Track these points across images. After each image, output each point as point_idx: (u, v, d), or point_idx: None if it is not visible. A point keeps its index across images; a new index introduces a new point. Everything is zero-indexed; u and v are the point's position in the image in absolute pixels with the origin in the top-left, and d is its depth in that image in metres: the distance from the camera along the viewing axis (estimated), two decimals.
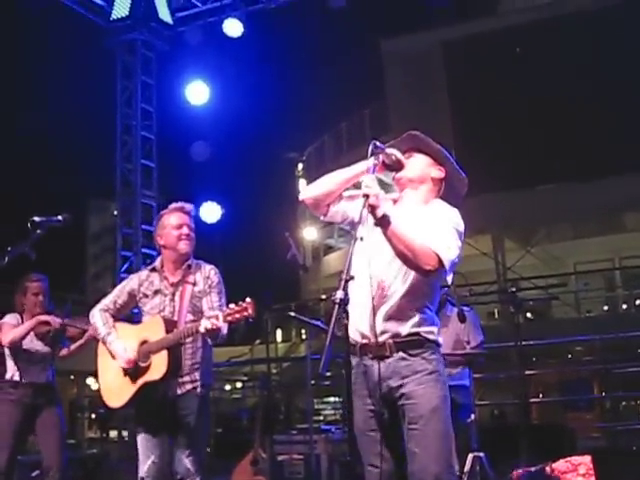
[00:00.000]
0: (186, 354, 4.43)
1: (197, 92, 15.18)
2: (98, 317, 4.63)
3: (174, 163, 17.34)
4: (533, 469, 5.84)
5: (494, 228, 19.29)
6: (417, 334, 3.34)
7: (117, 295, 4.69)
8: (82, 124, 21.41)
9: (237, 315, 3.98)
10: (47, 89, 21.82)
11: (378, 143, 3.39)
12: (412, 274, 3.32)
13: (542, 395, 16.06)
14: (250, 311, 3.95)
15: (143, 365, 4.36)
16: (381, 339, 3.33)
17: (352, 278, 3.00)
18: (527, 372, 7.98)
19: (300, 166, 29.85)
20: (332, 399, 19.25)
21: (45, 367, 5.96)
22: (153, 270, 4.66)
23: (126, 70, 15.55)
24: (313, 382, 8.07)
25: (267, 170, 26.31)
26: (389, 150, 3.45)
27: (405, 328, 3.33)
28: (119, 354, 4.44)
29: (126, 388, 4.42)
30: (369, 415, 3.39)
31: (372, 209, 3.18)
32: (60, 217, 4.34)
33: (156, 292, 4.57)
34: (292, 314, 6.99)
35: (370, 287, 3.33)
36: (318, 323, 6.37)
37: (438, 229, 3.30)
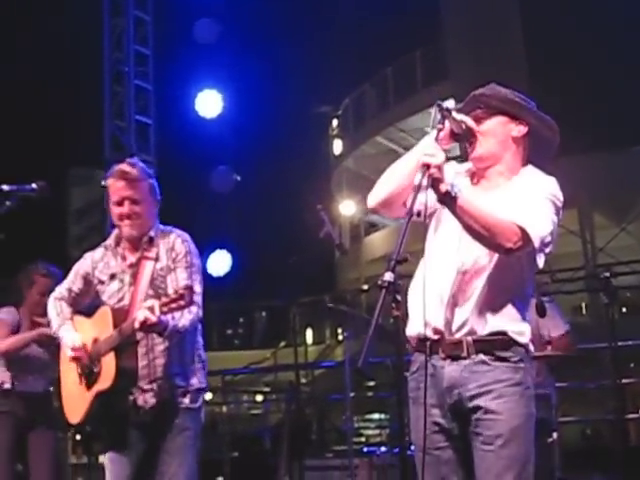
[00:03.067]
0: (155, 353, 4.31)
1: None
2: (51, 307, 4.60)
3: (176, 119, 17.37)
4: None
5: (581, 200, 19.14)
6: (503, 333, 3.36)
7: (72, 281, 4.62)
8: (60, 73, 21.38)
9: (174, 304, 3.92)
10: (14, 29, 21.77)
11: (444, 104, 3.41)
12: (500, 257, 3.34)
13: None
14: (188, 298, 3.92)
15: (96, 370, 4.29)
16: (458, 335, 3.37)
17: (406, 260, 3.03)
18: (623, 380, 7.95)
19: (335, 123, 29.81)
20: (376, 416, 19.26)
21: (43, 376, 6.03)
22: (108, 248, 4.56)
23: (115, 3, 15.62)
24: (353, 394, 8.09)
25: (293, 128, 26.16)
26: (458, 116, 3.46)
27: (488, 324, 3.36)
28: (67, 344, 4.38)
29: (82, 398, 4.37)
30: (434, 429, 3.40)
31: (434, 183, 3.20)
32: (35, 185, 4.36)
33: (112, 276, 4.46)
34: (330, 305, 6.97)
35: (447, 272, 3.38)
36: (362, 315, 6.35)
37: (527, 202, 3.32)
